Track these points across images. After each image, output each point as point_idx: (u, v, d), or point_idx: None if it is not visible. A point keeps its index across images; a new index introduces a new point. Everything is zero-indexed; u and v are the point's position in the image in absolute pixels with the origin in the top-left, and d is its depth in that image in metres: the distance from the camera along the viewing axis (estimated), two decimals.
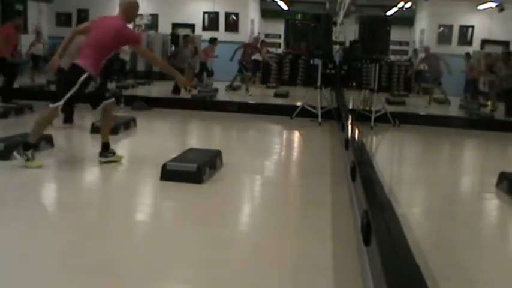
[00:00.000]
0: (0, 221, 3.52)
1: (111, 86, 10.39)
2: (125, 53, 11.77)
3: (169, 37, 16.27)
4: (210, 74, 14.39)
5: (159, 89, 12.59)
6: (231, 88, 13.29)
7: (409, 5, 15.99)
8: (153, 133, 7.82)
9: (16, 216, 3.68)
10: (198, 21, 17.45)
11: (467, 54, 14.22)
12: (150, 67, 15.39)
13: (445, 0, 16.05)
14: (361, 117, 8.70)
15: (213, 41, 13.93)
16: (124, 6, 5.19)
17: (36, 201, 4.10)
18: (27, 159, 4.82)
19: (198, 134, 8.33)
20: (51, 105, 4.89)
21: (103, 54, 5.00)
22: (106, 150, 5.22)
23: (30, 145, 4.87)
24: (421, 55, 14.07)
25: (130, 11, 5.25)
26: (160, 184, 4.54)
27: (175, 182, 4.49)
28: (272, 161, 6.29)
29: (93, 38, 5.03)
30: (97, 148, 5.79)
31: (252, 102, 11.11)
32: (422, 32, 17.64)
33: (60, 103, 4.83)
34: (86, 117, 7.70)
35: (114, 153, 5.24)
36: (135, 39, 5.25)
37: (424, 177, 5.92)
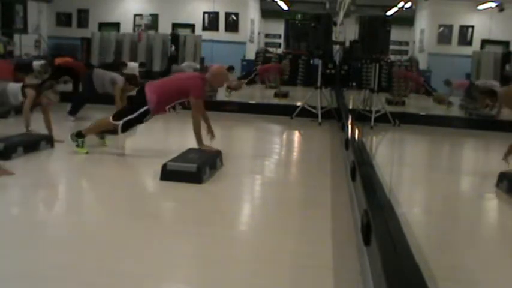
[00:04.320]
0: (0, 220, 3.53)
1: None
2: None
3: (169, 37, 16.28)
4: None
5: None
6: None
7: (409, 5, 15.98)
8: (153, 133, 7.81)
9: (14, 215, 3.68)
10: (198, 21, 17.45)
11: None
12: (150, 67, 15.39)
13: (445, 0, 16.05)
14: (361, 117, 8.70)
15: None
16: (212, 72, 5.62)
17: (35, 200, 4.10)
18: (77, 145, 5.44)
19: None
20: (112, 121, 5.38)
21: (169, 98, 5.36)
22: None
23: (82, 135, 5.46)
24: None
25: (217, 78, 5.62)
26: (160, 184, 4.54)
27: (175, 182, 4.48)
28: (272, 161, 6.29)
29: (170, 80, 5.73)
30: (97, 148, 5.80)
31: (252, 102, 11.11)
32: (422, 32, 17.64)
33: (119, 123, 5.31)
34: (86, 118, 7.71)
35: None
36: (196, 93, 5.33)
37: (424, 177, 5.92)
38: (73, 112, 7.93)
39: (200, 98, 5.34)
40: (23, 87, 6.09)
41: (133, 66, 8.46)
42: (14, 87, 6.12)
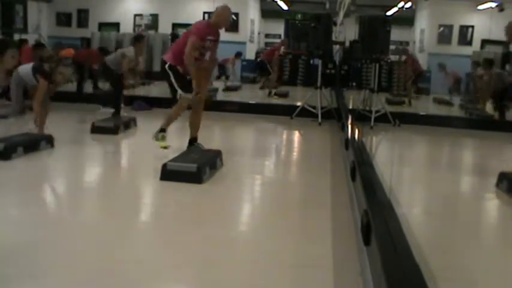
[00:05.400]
0: None
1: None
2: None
3: (169, 37, 16.27)
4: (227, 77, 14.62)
5: (159, 89, 12.59)
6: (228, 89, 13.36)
7: (409, 5, 15.98)
8: (153, 133, 7.79)
9: (15, 215, 3.68)
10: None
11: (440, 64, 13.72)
12: (150, 67, 15.38)
13: (445, 0, 16.04)
14: (361, 117, 8.70)
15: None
16: (216, 13, 5.58)
17: (35, 200, 4.09)
18: (157, 139, 5.54)
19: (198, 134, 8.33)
20: (182, 95, 5.43)
21: (180, 48, 5.37)
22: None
23: (164, 129, 5.55)
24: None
25: (222, 16, 5.54)
26: (160, 184, 4.54)
27: (175, 182, 4.48)
28: (272, 161, 6.29)
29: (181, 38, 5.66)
30: (97, 148, 5.80)
31: (252, 102, 11.11)
32: (422, 32, 17.64)
33: (187, 93, 5.37)
34: (86, 118, 7.71)
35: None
36: (194, 31, 5.38)
37: (424, 177, 5.92)
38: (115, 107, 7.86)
39: (196, 35, 5.33)
40: (34, 69, 5.96)
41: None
42: (24, 68, 6.04)
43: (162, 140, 5.56)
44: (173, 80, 5.42)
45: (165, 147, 5.58)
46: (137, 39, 8.08)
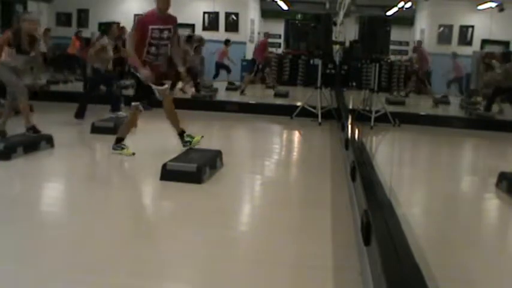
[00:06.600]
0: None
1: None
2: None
3: None
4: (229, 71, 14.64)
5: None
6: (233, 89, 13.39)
7: (409, 5, 15.97)
8: (153, 133, 7.79)
9: (15, 215, 3.69)
10: (198, 21, 17.42)
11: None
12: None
13: (445, 0, 16.04)
14: (361, 117, 8.69)
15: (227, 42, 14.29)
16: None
17: (36, 200, 4.10)
18: (122, 148, 5.46)
19: (198, 134, 8.32)
20: (133, 104, 5.44)
21: (139, 48, 5.27)
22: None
23: (121, 139, 5.49)
24: None
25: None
26: (160, 184, 4.54)
27: (175, 182, 4.48)
28: (272, 161, 6.29)
29: None
30: (97, 148, 5.79)
31: (252, 102, 11.11)
32: (423, 32, 17.63)
33: (137, 103, 5.41)
34: (86, 117, 7.70)
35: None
36: (135, 27, 5.40)
37: (424, 177, 5.92)
38: (79, 115, 7.58)
39: (136, 29, 5.33)
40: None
41: None
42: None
43: (126, 148, 5.51)
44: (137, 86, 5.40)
45: (133, 154, 5.51)
46: (104, 31, 8.03)
